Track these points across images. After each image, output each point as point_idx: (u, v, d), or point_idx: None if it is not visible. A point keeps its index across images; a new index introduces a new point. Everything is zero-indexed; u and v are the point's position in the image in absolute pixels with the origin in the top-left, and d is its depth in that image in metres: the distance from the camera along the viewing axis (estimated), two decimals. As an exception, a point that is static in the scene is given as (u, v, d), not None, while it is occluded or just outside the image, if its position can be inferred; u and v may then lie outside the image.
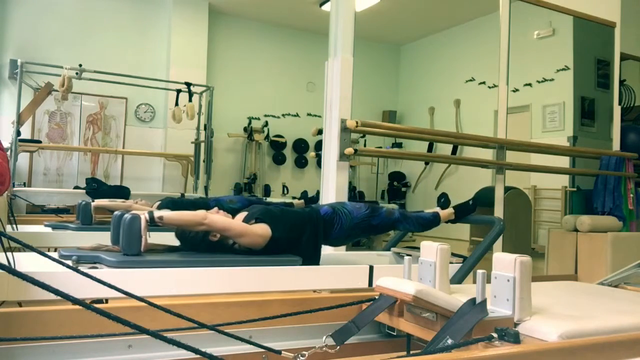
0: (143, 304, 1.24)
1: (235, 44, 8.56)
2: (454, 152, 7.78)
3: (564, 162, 4.76)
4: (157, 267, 1.89)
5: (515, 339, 1.26)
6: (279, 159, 8.91)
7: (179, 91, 6.33)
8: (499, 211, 3.77)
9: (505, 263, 1.41)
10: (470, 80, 8.28)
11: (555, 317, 1.41)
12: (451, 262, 2.16)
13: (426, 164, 8.95)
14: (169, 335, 1.00)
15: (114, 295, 1.31)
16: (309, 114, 9.03)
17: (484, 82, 7.98)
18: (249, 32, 8.65)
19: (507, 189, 4.34)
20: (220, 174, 8.15)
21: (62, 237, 2.90)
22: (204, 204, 3.24)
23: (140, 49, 7.76)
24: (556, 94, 6.50)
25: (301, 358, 1.31)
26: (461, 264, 2.49)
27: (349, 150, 3.08)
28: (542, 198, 6.78)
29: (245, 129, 8.52)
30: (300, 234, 2.27)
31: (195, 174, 6.94)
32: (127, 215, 1.95)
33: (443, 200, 2.91)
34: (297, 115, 9.04)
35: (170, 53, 7.82)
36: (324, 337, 1.46)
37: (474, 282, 1.44)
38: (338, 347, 1.45)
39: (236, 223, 2.16)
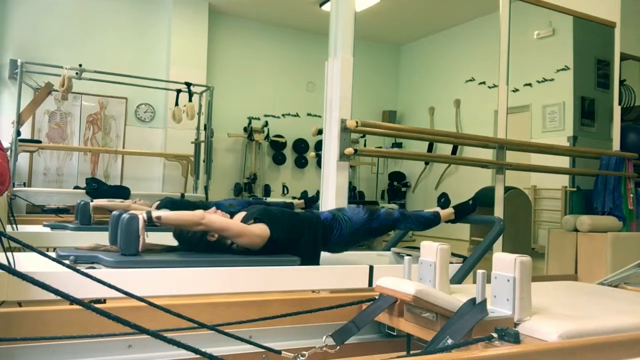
0: (143, 304, 1.24)
1: (235, 44, 8.56)
2: (454, 152, 7.78)
3: (564, 162, 4.75)
4: (155, 267, 1.89)
5: (515, 339, 1.26)
6: (279, 159, 8.91)
7: (179, 91, 6.33)
8: (499, 211, 3.77)
9: (505, 263, 1.40)
10: (470, 80, 8.28)
11: (555, 317, 1.41)
12: (451, 262, 2.16)
13: (426, 164, 8.95)
14: (169, 335, 1.00)
15: (113, 295, 1.31)
16: (309, 114, 9.03)
17: (484, 82, 7.98)
18: (249, 32, 8.65)
19: (507, 189, 4.34)
20: (220, 174, 8.15)
21: (60, 237, 2.90)
22: (204, 207, 3.24)
23: (140, 49, 7.76)
24: (556, 94, 6.50)
25: (301, 358, 1.31)
26: (461, 264, 2.49)
27: (349, 150, 3.08)
28: (542, 198, 6.78)
29: (245, 129, 8.52)
30: (299, 235, 2.27)
31: (195, 174, 6.94)
32: (125, 215, 1.95)
33: (443, 200, 2.91)
34: (297, 115, 9.04)
35: (170, 53, 7.82)
36: (324, 337, 1.46)
37: (474, 282, 1.44)
38: (338, 347, 1.45)
39: (234, 223, 2.16)
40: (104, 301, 1.80)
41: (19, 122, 5.45)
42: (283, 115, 8.94)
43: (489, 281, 1.42)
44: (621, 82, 5.14)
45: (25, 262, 1.86)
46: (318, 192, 3.47)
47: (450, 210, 2.82)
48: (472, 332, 1.29)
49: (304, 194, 4.83)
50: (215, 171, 7.54)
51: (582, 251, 3.92)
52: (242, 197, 8.14)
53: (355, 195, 8.26)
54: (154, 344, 1.36)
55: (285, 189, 8.71)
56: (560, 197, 6.22)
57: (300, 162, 9.12)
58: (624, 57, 4.99)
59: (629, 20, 4.90)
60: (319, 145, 5.49)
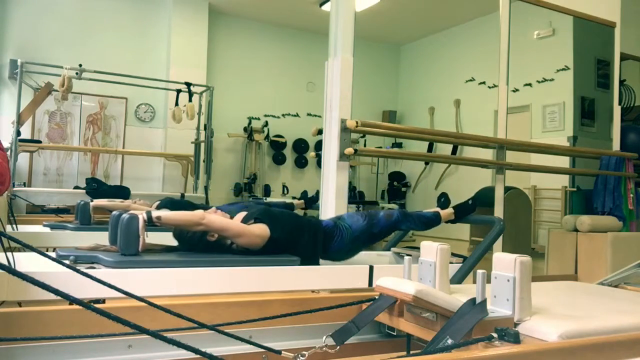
0: (143, 304, 1.24)
1: (235, 44, 8.56)
2: (454, 152, 7.78)
3: (564, 162, 4.75)
4: (154, 267, 1.89)
5: (515, 339, 1.26)
6: (279, 159, 8.91)
7: (179, 91, 6.33)
8: (499, 211, 3.76)
9: (505, 263, 1.40)
10: (470, 80, 8.28)
11: (555, 317, 1.41)
12: (451, 262, 2.16)
13: (426, 164, 8.95)
14: (169, 335, 1.00)
15: (113, 295, 1.31)
16: (309, 114, 9.03)
17: (484, 82, 7.98)
18: (249, 32, 8.65)
19: (507, 189, 4.34)
20: (220, 174, 8.15)
21: (60, 237, 2.90)
22: (204, 208, 3.24)
23: (140, 49, 7.76)
24: (556, 94, 6.50)
25: (301, 358, 1.31)
26: (461, 264, 2.49)
27: (349, 150, 3.08)
28: (542, 198, 6.77)
29: (245, 129, 8.52)
30: (299, 236, 2.27)
31: (195, 174, 6.94)
32: (125, 215, 1.95)
33: (443, 200, 2.91)
34: (297, 115, 9.04)
35: (170, 53, 7.82)
36: (324, 337, 1.46)
37: (474, 282, 1.44)
38: (338, 347, 1.45)
39: (234, 223, 2.16)
40: (103, 301, 1.80)
41: (19, 122, 5.45)
42: (283, 115, 8.94)
43: (489, 281, 1.42)
44: (621, 82, 5.14)
45: (25, 262, 1.86)
46: (318, 192, 3.47)
47: (450, 210, 2.82)
48: (472, 332, 1.29)
49: (304, 194, 4.82)
50: (215, 171, 7.54)
51: (582, 251, 3.92)
52: (242, 197, 8.15)
53: (355, 195, 8.26)
54: (154, 344, 1.36)
55: (285, 189, 8.71)
56: (560, 197, 6.22)
57: (300, 162, 9.12)
58: (624, 57, 4.99)
59: (629, 20, 4.90)
60: (319, 145, 5.49)
